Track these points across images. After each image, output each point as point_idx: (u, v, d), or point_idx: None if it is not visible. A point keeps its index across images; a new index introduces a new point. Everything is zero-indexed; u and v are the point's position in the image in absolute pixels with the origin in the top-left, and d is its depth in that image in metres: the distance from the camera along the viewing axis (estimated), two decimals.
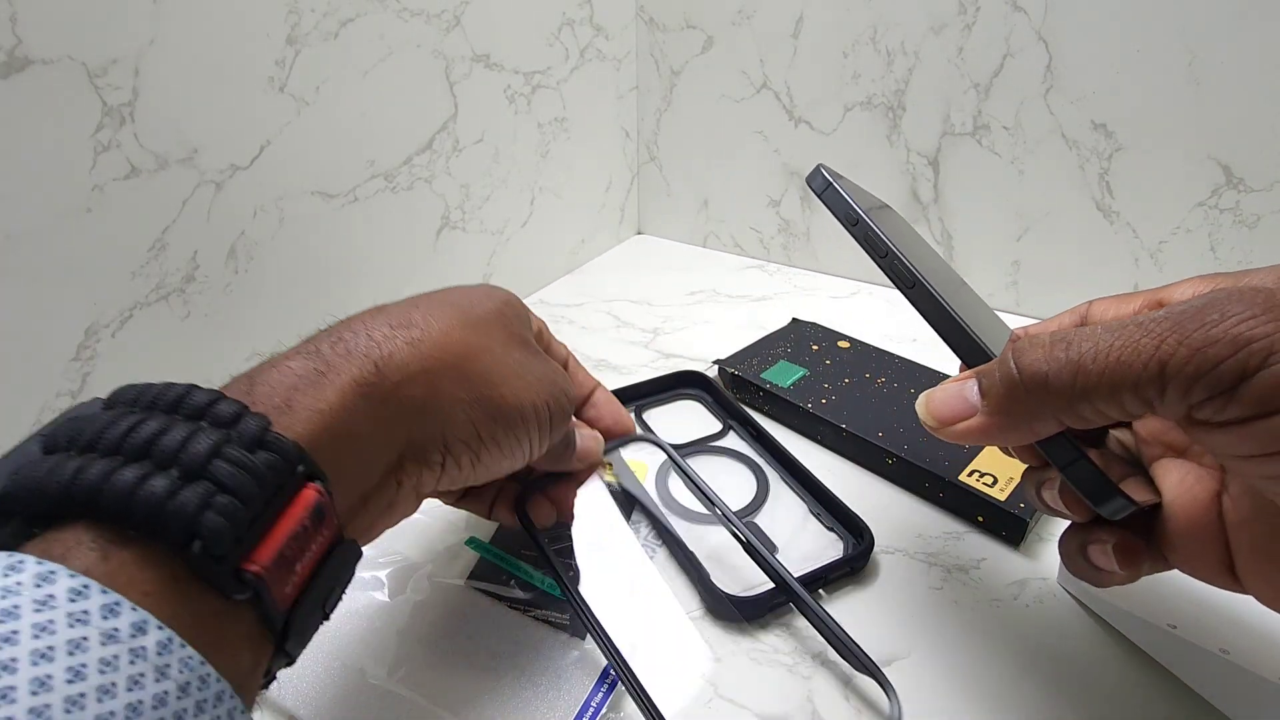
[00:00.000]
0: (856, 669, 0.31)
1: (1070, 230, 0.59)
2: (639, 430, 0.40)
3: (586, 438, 0.35)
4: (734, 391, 0.52)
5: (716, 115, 0.72)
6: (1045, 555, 0.39)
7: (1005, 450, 0.30)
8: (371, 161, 0.50)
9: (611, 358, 0.58)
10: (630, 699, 0.29)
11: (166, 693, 0.15)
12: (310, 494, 0.20)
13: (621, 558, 0.38)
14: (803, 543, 0.39)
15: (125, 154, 0.37)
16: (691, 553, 0.37)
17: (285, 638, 0.20)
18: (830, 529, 0.40)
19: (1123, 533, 0.24)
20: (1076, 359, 0.20)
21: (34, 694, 0.14)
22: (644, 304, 0.66)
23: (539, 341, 0.32)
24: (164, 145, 0.39)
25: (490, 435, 0.27)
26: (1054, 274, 0.61)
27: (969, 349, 0.25)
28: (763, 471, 0.44)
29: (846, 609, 0.36)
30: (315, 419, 0.21)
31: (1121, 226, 0.57)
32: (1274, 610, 0.23)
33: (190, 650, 0.16)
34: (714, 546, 0.38)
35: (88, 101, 0.36)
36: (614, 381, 0.55)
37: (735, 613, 0.35)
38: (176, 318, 0.41)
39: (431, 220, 0.56)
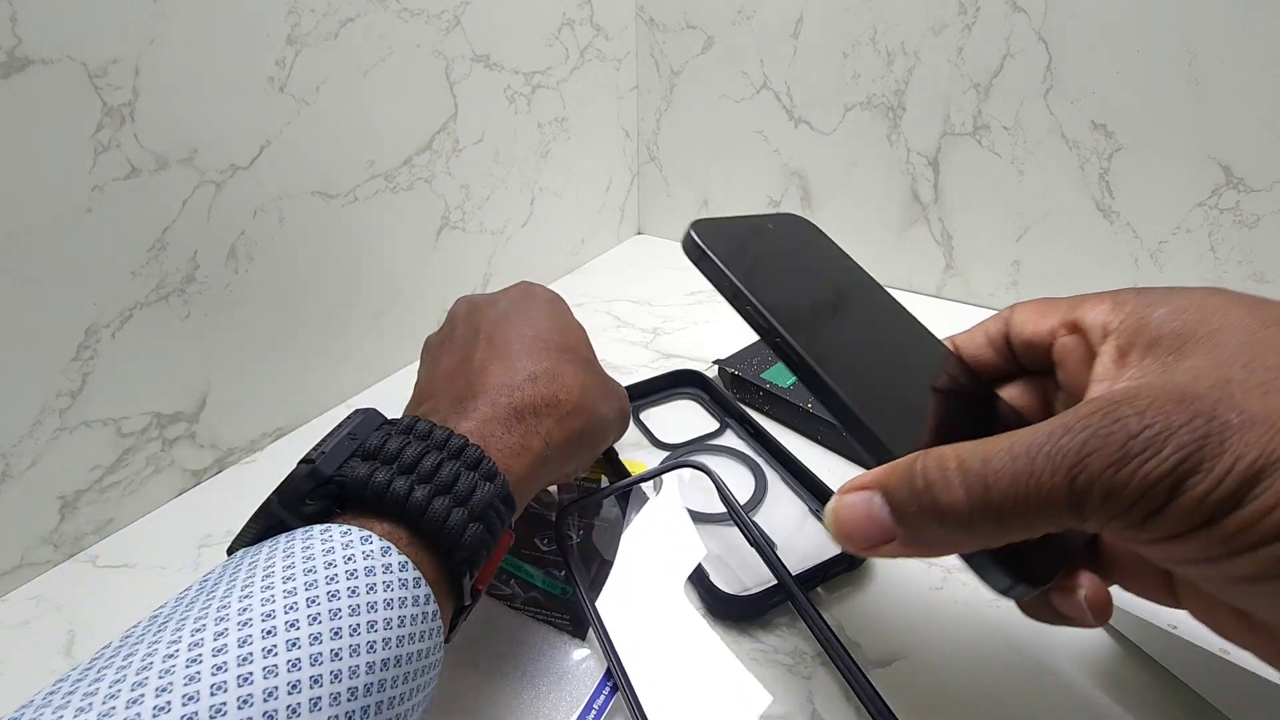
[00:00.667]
0: (846, 677, 0.31)
1: (1070, 230, 0.59)
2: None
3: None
4: (734, 391, 0.52)
5: (716, 115, 0.72)
6: None
7: None
8: (371, 161, 0.50)
9: (611, 358, 0.58)
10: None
11: (430, 647, 0.24)
12: (509, 539, 0.29)
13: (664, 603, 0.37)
14: (800, 542, 0.39)
15: (125, 154, 0.37)
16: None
17: (454, 630, 0.27)
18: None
19: (1093, 580, 0.22)
20: (997, 502, 0.19)
21: (371, 612, 0.22)
22: (644, 304, 0.66)
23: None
24: (164, 145, 0.39)
25: (590, 460, 0.35)
26: (1054, 274, 0.61)
27: (868, 443, 0.24)
28: (761, 470, 0.44)
29: (846, 609, 0.36)
30: (518, 483, 0.29)
31: (1121, 226, 0.57)
32: (1205, 625, 0.22)
33: (440, 623, 0.24)
34: (711, 546, 0.38)
35: (88, 101, 0.36)
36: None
37: (735, 612, 0.35)
38: (176, 318, 0.41)
39: (431, 220, 0.56)
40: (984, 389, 0.29)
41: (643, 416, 0.50)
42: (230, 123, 0.41)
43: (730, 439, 0.47)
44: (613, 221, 0.78)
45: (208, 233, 0.42)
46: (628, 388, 0.49)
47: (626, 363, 0.57)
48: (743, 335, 0.56)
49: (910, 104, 0.62)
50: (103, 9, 0.35)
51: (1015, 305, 0.27)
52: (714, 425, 0.48)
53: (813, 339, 0.27)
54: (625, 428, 0.37)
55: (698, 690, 0.32)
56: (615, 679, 0.31)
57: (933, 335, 0.30)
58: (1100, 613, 0.22)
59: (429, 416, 0.29)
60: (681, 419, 0.50)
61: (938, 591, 0.37)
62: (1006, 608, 0.36)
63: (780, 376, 0.50)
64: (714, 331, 0.61)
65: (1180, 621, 0.31)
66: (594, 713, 0.31)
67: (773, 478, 0.44)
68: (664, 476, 0.41)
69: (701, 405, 0.51)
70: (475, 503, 0.26)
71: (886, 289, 0.33)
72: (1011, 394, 0.28)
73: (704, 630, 0.35)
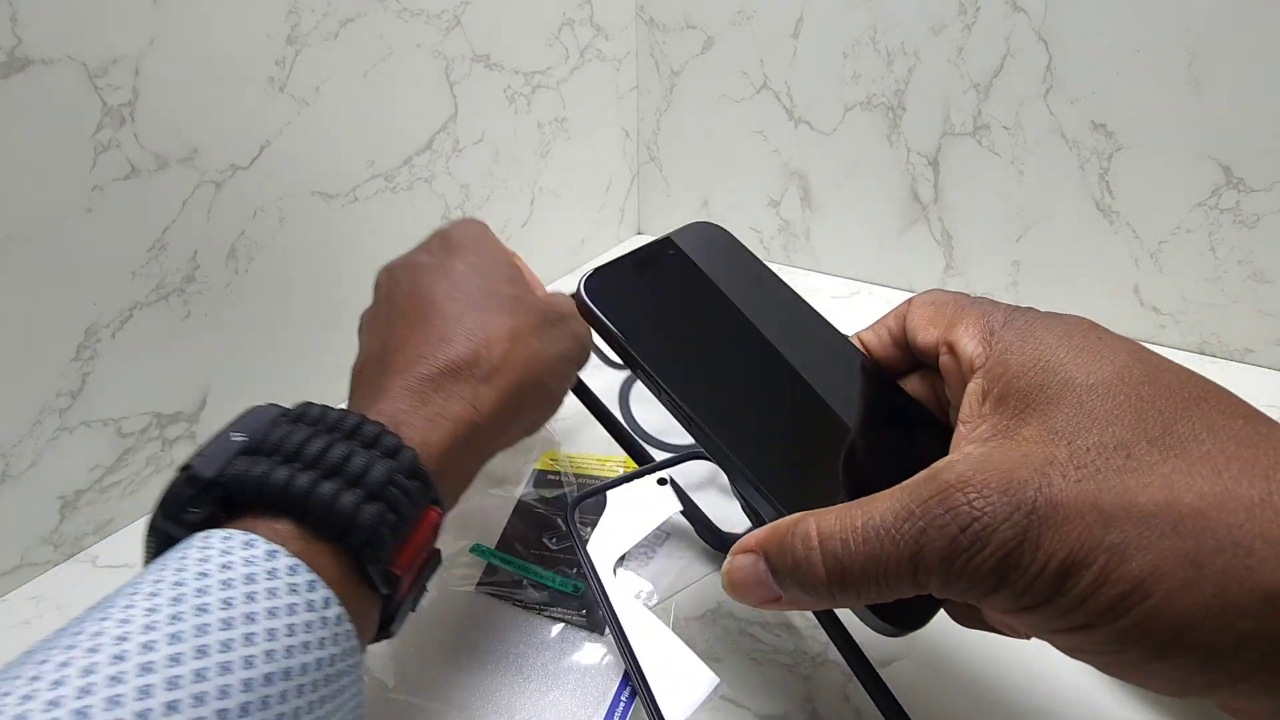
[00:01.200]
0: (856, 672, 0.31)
1: (1070, 230, 0.59)
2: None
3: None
4: None
5: (716, 115, 0.72)
6: None
7: None
8: (371, 161, 0.50)
9: (612, 356, 0.58)
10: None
11: (337, 654, 0.22)
12: (434, 516, 0.26)
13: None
14: None
15: (125, 154, 0.37)
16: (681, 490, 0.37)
17: (388, 627, 0.25)
18: None
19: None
20: (854, 580, 0.21)
21: (250, 623, 0.20)
22: None
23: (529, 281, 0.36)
24: (164, 145, 0.39)
25: (545, 416, 0.34)
26: (1054, 274, 0.61)
27: (757, 501, 0.26)
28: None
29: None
30: (440, 456, 0.27)
31: (1121, 226, 0.57)
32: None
33: (350, 625, 0.22)
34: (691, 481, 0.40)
35: (88, 101, 0.36)
36: (615, 379, 0.55)
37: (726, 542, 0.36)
38: (176, 318, 0.41)
39: (431, 220, 0.56)
40: (888, 393, 0.29)
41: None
42: (230, 123, 0.41)
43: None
44: (613, 221, 0.78)
45: (208, 233, 0.42)
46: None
47: None
48: None
49: (910, 104, 0.62)
50: (103, 9, 0.35)
51: (912, 301, 0.28)
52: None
53: (702, 395, 0.28)
54: (584, 357, 0.35)
55: (704, 689, 0.32)
56: (634, 683, 0.31)
57: (841, 339, 0.30)
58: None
59: (354, 409, 0.27)
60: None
61: None
62: None
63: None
64: None
65: None
66: (622, 706, 0.31)
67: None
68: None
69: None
70: (370, 481, 0.23)
71: (794, 292, 0.32)
72: (912, 385, 0.29)
73: (703, 629, 0.35)
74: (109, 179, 0.37)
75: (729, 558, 0.24)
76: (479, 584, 0.37)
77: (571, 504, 0.37)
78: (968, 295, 0.26)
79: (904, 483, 0.21)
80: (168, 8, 0.37)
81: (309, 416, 0.25)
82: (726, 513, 0.40)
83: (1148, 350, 0.21)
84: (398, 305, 0.32)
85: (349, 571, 0.23)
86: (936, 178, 0.63)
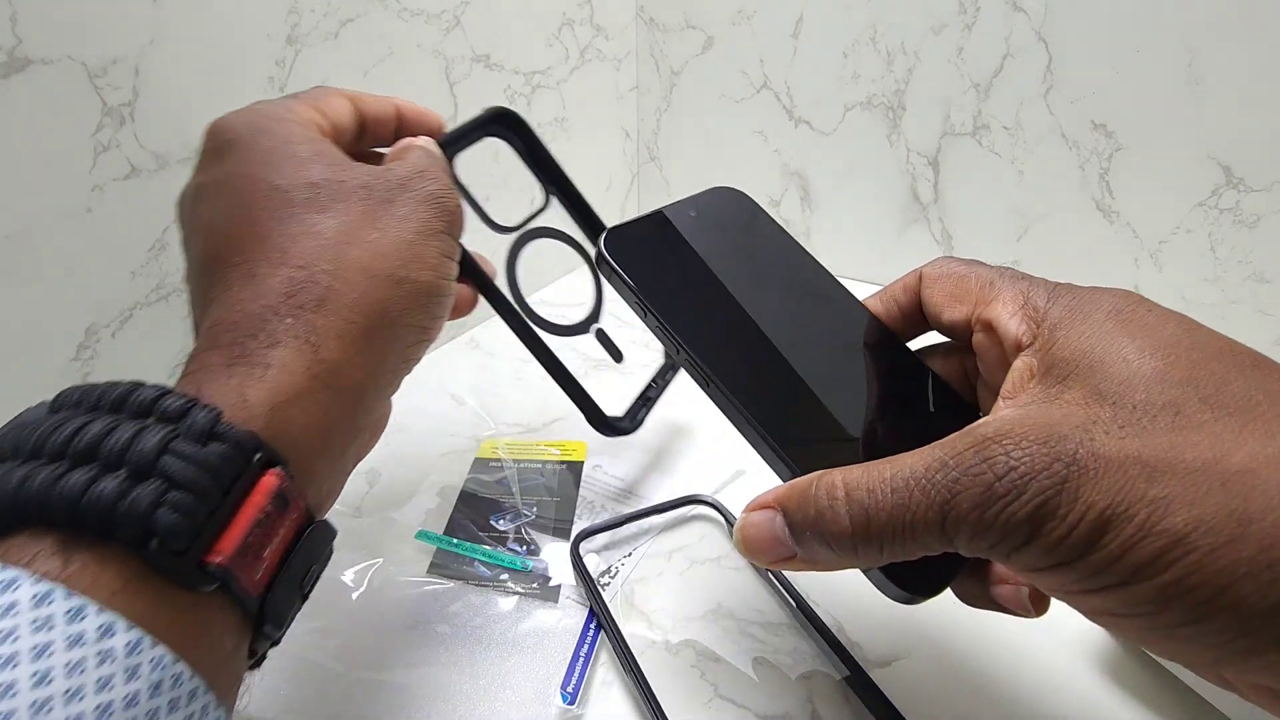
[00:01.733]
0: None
1: (1070, 230, 0.59)
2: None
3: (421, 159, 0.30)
4: None
5: (716, 115, 0.72)
6: None
7: None
8: None
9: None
10: (610, 647, 0.33)
11: (138, 692, 0.16)
12: (270, 481, 0.20)
13: None
14: None
15: (125, 154, 0.37)
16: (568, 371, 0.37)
17: (263, 621, 0.20)
18: None
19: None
20: (878, 533, 0.20)
21: None
22: None
23: (351, 136, 0.31)
24: (164, 145, 0.39)
25: (432, 317, 0.27)
26: (1054, 274, 0.60)
27: (775, 464, 0.25)
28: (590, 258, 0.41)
29: (847, 609, 0.36)
30: (270, 411, 0.21)
31: (1121, 226, 0.57)
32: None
33: (162, 650, 0.17)
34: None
35: (88, 101, 0.36)
36: (615, 380, 0.55)
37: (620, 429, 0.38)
38: (176, 318, 0.41)
39: None
40: (910, 365, 0.29)
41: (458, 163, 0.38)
42: None
43: (560, 216, 0.43)
44: (613, 221, 0.78)
45: None
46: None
47: (628, 361, 0.57)
48: None
49: (910, 104, 0.62)
50: (103, 9, 0.35)
51: (924, 272, 0.27)
52: (540, 196, 0.42)
53: (720, 357, 0.27)
54: (454, 225, 0.28)
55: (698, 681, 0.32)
56: (600, 621, 0.33)
57: (858, 305, 0.30)
58: (1040, 605, 0.23)
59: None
60: (502, 179, 0.43)
61: None
62: None
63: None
64: None
65: None
66: (581, 660, 0.33)
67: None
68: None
69: (520, 161, 0.43)
70: (137, 456, 0.18)
71: (814, 260, 0.32)
72: (935, 361, 0.29)
73: (705, 627, 0.35)
74: (109, 179, 0.37)
75: (744, 514, 0.23)
76: (430, 568, 0.37)
77: (574, 544, 0.38)
78: (986, 265, 0.25)
79: (937, 441, 0.20)
80: (168, 8, 0.37)
81: (67, 400, 0.20)
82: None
83: (1196, 321, 0.21)
84: (190, 245, 0.26)
85: (147, 577, 0.18)
86: (936, 178, 0.63)
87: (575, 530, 0.39)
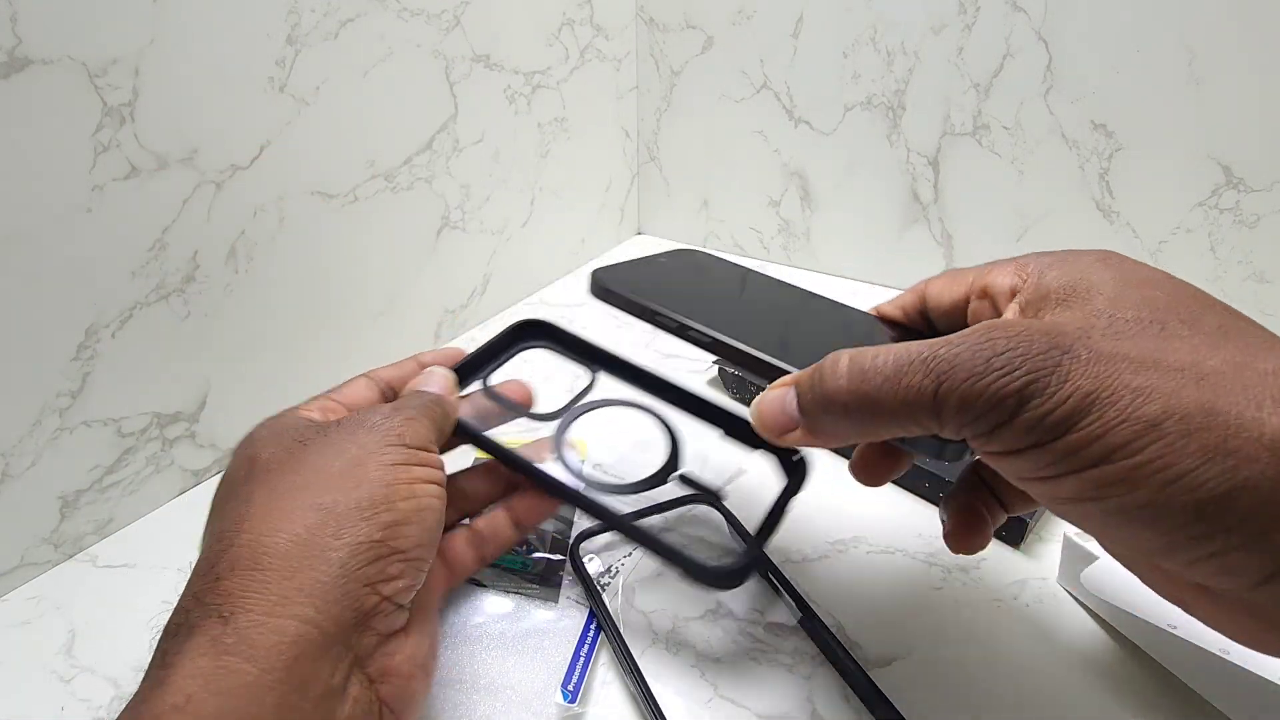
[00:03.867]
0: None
1: (1070, 230, 0.59)
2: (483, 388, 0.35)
3: (438, 378, 0.31)
4: (733, 391, 0.52)
5: (716, 115, 0.72)
6: (1045, 555, 0.39)
7: None
8: (371, 161, 0.50)
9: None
10: (610, 647, 0.33)
11: None
12: None
13: None
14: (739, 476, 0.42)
15: (125, 154, 0.37)
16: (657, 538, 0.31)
17: None
18: (757, 447, 0.35)
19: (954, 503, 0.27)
20: (870, 393, 0.22)
21: None
22: None
23: (329, 422, 0.28)
24: (164, 145, 0.39)
25: (409, 547, 0.25)
26: None
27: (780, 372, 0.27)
28: (655, 411, 0.38)
29: (847, 609, 0.36)
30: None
31: (1121, 226, 0.57)
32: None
33: None
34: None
35: (88, 101, 0.36)
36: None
37: (725, 583, 0.31)
38: (176, 318, 0.41)
39: (431, 220, 0.56)
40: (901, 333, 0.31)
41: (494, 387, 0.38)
42: (230, 123, 0.41)
43: (610, 387, 0.39)
44: (613, 221, 0.78)
45: (208, 233, 0.42)
46: (466, 360, 0.35)
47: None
48: None
49: (910, 104, 0.62)
50: (103, 9, 0.35)
51: (928, 280, 0.29)
52: (585, 375, 0.39)
53: (730, 323, 0.29)
54: (423, 439, 0.27)
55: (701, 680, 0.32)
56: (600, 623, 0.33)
57: (857, 312, 0.32)
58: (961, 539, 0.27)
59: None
60: (543, 376, 0.40)
61: (938, 591, 0.37)
62: (1007, 608, 0.36)
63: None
64: None
65: (1180, 622, 0.31)
66: (582, 660, 0.33)
67: (673, 415, 0.38)
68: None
69: (558, 355, 0.40)
70: None
71: (793, 284, 0.35)
72: None
73: (705, 629, 0.35)
74: (109, 179, 0.37)
75: (762, 394, 0.25)
76: None
77: (570, 547, 0.38)
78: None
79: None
80: (168, 8, 0.37)
81: None
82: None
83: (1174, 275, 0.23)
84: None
85: None
86: (936, 178, 0.63)
87: (575, 531, 0.39)
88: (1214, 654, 0.29)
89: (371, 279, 0.53)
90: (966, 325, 0.26)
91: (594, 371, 0.40)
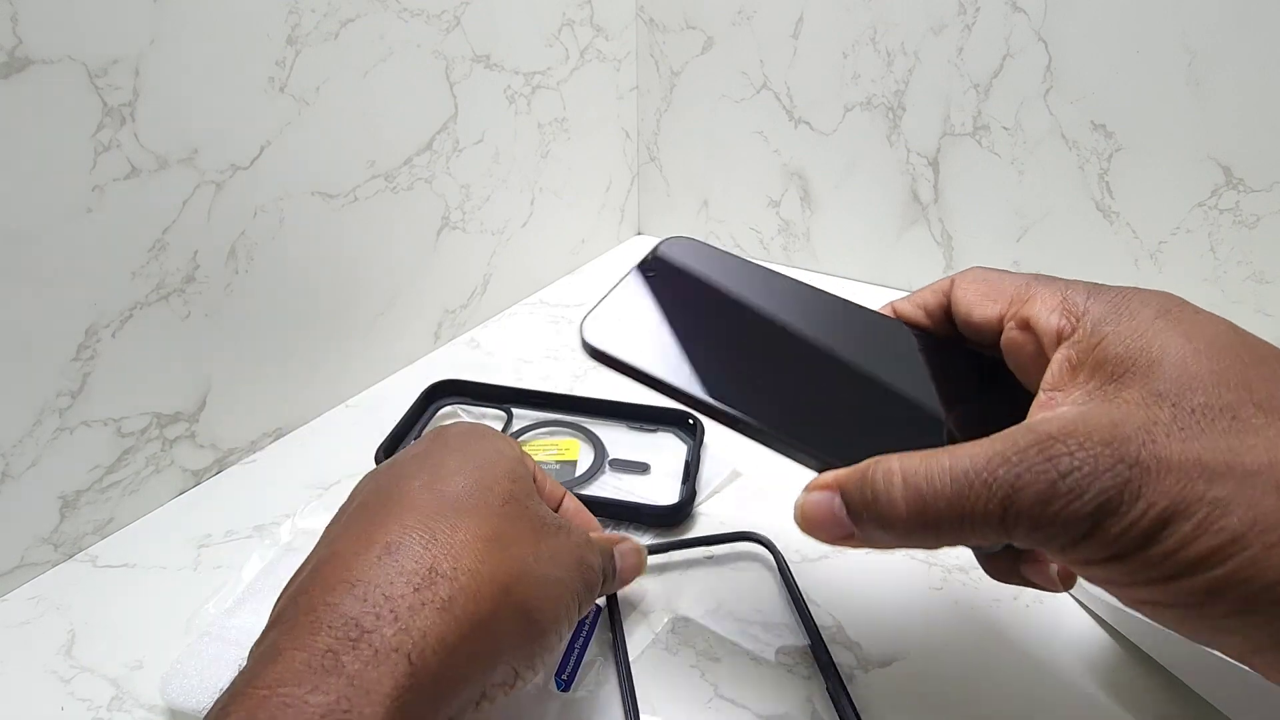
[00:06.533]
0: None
1: (1070, 230, 0.59)
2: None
3: (628, 554, 0.32)
4: None
5: (716, 115, 0.72)
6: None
7: None
8: (371, 161, 0.50)
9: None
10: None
11: None
12: None
13: None
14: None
15: (125, 154, 0.37)
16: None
17: None
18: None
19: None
20: (935, 519, 0.21)
21: None
22: None
23: (540, 492, 0.29)
24: (164, 145, 0.39)
25: (529, 666, 0.25)
26: (1054, 274, 0.61)
27: (815, 460, 0.26)
28: (572, 423, 0.49)
29: (847, 609, 0.36)
30: None
31: (1121, 226, 0.57)
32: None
33: None
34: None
35: (88, 101, 0.36)
36: (614, 380, 0.55)
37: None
38: (176, 318, 0.41)
39: (431, 220, 0.56)
40: (946, 354, 0.28)
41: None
42: (230, 123, 0.41)
43: (528, 415, 0.50)
44: (613, 221, 0.78)
45: (208, 233, 0.42)
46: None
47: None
48: None
49: (910, 104, 0.62)
50: (103, 9, 0.35)
51: (955, 278, 0.27)
52: (500, 415, 0.49)
53: (743, 396, 0.27)
54: (588, 594, 0.28)
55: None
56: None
57: (870, 311, 0.30)
58: (1068, 581, 0.24)
59: (249, 668, 0.21)
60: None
61: (938, 591, 0.37)
62: (1007, 608, 0.36)
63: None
64: None
65: None
66: (576, 651, 0.33)
67: (593, 422, 0.49)
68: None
69: (471, 405, 0.50)
70: None
71: (791, 278, 0.31)
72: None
73: (706, 628, 0.35)
74: (109, 179, 0.37)
75: (803, 494, 0.24)
76: None
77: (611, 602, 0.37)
78: (1023, 273, 0.26)
79: (995, 434, 0.20)
80: (168, 8, 0.37)
81: None
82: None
83: (1238, 326, 0.22)
84: (355, 503, 0.27)
85: None
86: (936, 178, 0.63)
87: None
88: (1215, 656, 0.29)
89: (371, 279, 0.53)
90: (999, 346, 0.26)
91: (507, 410, 0.49)
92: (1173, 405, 0.19)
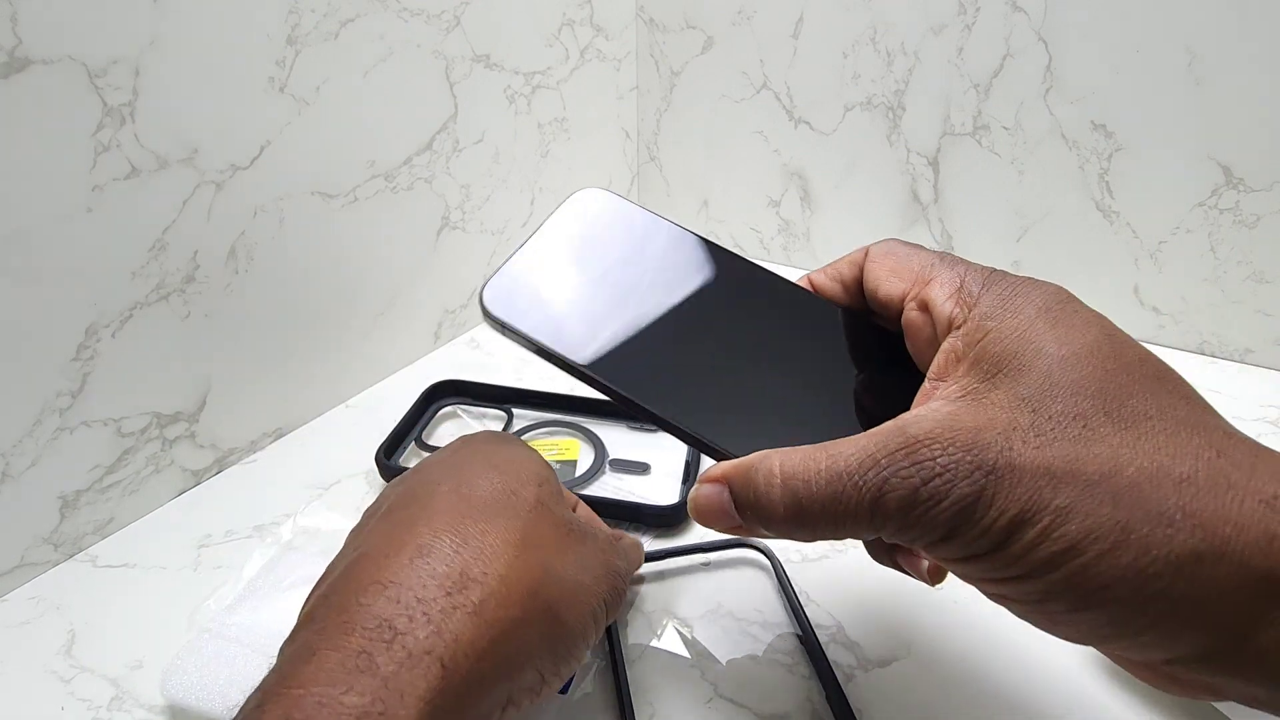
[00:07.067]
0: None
1: (1070, 230, 0.59)
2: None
3: (630, 549, 0.33)
4: None
5: (716, 115, 0.72)
6: None
7: None
8: (371, 161, 0.50)
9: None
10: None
11: None
12: None
13: None
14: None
15: (125, 154, 0.37)
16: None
17: None
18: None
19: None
20: (811, 515, 0.22)
21: None
22: None
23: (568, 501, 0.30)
24: (164, 145, 0.39)
25: (555, 672, 0.26)
26: (1054, 274, 0.60)
27: (713, 453, 0.26)
28: (572, 422, 0.49)
29: (847, 609, 0.36)
30: None
31: (1121, 226, 0.57)
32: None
33: None
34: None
35: (88, 101, 0.36)
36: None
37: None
38: (176, 318, 0.41)
39: (431, 220, 0.56)
40: (851, 329, 0.28)
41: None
42: (230, 123, 0.41)
43: (529, 415, 0.50)
44: None
45: (208, 233, 0.42)
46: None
47: None
48: None
49: (910, 104, 0.62)
50: (103, 9, 0.35)
51: (870, 249, 0.27)
52: (500, 415, 0.50)
53: (632, 373, 0.26)
54: (616, 601, 0.28)
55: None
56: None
57: (783, 281, 0.29)
58: (936, 577, 0.25)
59: (278, 670, 0.22)
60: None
61: (938, 591, 0.37)
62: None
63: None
64: None
65: None
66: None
67: (593, 421, 0.50)
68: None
69: (471, 405, 0.51)
70: None
71: (710, 242, 0.30)
72: None
73: (705, 628, 0.35)
74: (109, 179, 0.37)
75: (696, 485, 0.24)
76: None
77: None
78: (931, 250, 0.26)
79: (870, 431, 0.22)
80: (168, 8, 0.37)
81: None
82: None
83: (1116, 327, 0.23)
84: (382, 508, 0.27)
85: None
86: (936, 178, 0.63)
87: None
88: None
89: (371, 279, 0.53)
90: (900, 323, 0.26)
91: (507, 411, 0.49)
92: (1033, 411, 0.21)
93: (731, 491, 0.24)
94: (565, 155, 0.68)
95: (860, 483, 0.21)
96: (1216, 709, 0.30)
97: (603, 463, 0.45)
